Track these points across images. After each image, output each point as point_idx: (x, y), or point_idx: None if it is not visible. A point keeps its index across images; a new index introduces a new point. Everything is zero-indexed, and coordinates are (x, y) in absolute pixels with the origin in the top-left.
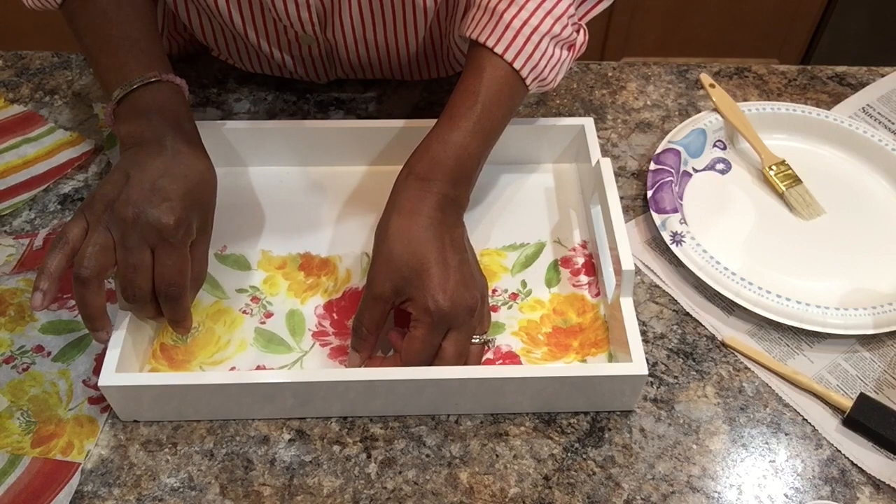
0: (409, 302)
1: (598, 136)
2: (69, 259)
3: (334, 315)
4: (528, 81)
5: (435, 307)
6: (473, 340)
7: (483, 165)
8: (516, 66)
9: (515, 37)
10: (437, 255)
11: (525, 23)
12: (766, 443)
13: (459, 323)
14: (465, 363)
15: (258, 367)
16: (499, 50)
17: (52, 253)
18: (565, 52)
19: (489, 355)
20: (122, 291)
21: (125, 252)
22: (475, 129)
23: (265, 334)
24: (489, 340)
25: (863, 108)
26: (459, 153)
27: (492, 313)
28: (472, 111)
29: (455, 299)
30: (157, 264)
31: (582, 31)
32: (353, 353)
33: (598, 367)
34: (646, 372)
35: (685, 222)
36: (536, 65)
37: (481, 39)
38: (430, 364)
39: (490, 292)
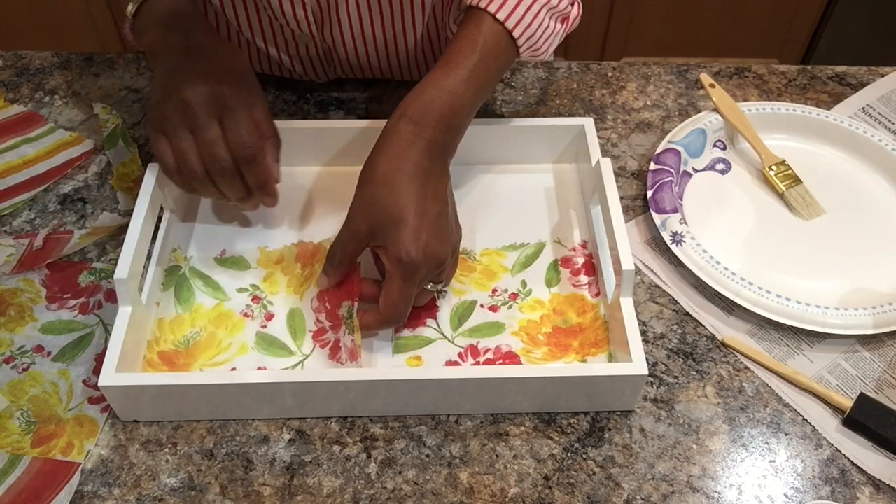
0: (381, 248)
1: (598, 136)
2: (184, 174)
3: (327, 305)
4: (521, 49)
5: (407, 258)
6: (430, 287)
7: (473, 117)
8: (516, 34)
9: (517, 5)
10: (417, 204)
11: None
12: (766, 443)
13: (424, 273)
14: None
15: (259, 369)
16: (501, 16)
17: (181, 181)
18: (559, 25)
19: (489, 355)
20: (212, 170)
21: (199, 132)
22: (470, 77)
23: (266, 338)
24: (442, 291)
25: (863, 108)
26: (453, 100)
27: (491, 313)
28: (468, 60)
29: (427, 252)
30: (226, 132)
31: (576, 5)
32: (322, 277)
33: (598, 367)
34: (646, 372)
35: (685, 222)
36: (533, 34)
37: (482, 5)
38: (408, 314)
39: (490, 292)
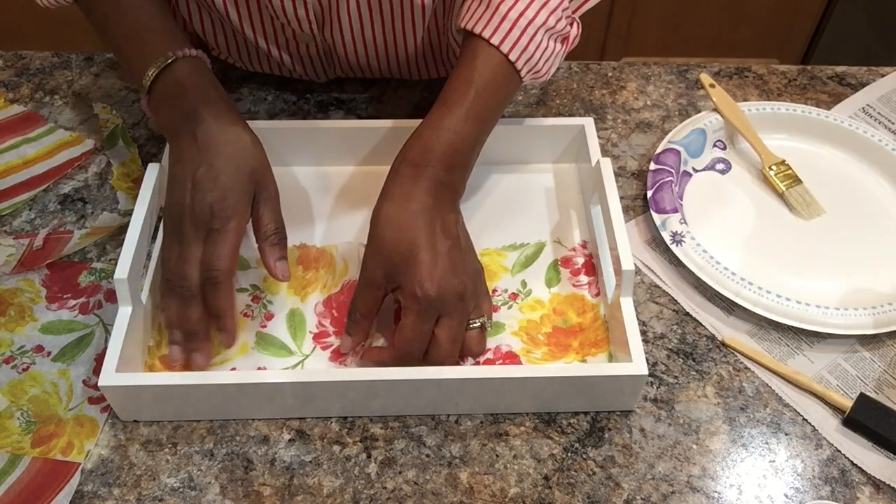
0: (398, 290)
1: (598, 136)
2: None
3: (334, 312)
4: (522, 73)
5: (422, 294)
6: (473, 324)
7: (479, 152)
8: (511, 57)
9: (511, 28)
10: (426, 241)
11: (521, 14)
12: (766, 443)
13: (449, 309)
14: (465, 348)
15: (259, 369)
16: (495, 41)
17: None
18: (559, 45)
19: (489, 355)
20: (177, 290)
21: (182, 249)
22: (468, 114)
23: (266, 338)
24: (485, 323)
25: (863, 108)
26: (452, 139)
27: (492, 312)
28: (464, 97)
29: (442, 286)
30: (203, 255)
31: (575, 25)
32: (346, 338)
33: (598, 367)
34: (646, 372)
35: (685, 222)
36: (531, 57)
37: (477, 30)
38: (423, 351)
39: (490, 292)
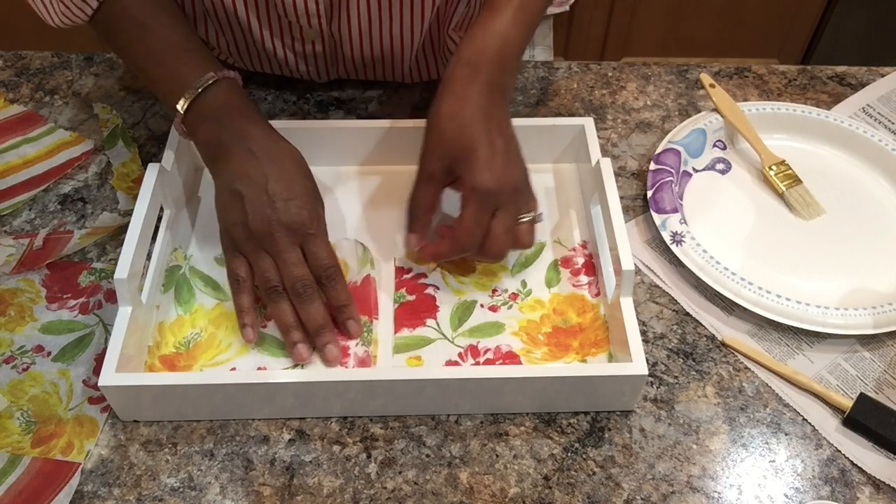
0: (457, 181)
1: (598, 136)
2: (253, 291)
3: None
4: None
5: (482, 186)
6: (523, 219)
7: (522, 57)
8: None
9: None
10: (484, 137)
11: None
12: (766, 443)
13: (504, 201)
14: (517, 241)
15: (259, 369)
16: None
17: (238, 294)
18: None
19: (489, 355)
20: (294, 292)
21: (281, 256)
22: (516, 17)
23: (266, 338)
24: (538, 215)
25: (863, 108)
26: (503, 41)
27: (491, 313)
28: (511, 1)
29: (501, 178)
30: (308, 257)
31: None
32: (409, 236)
33: (598, 367)
34: (646, 372)
35: (685, 222)
36: None
37: None
38: (480, 242)
39: (490, 292)
